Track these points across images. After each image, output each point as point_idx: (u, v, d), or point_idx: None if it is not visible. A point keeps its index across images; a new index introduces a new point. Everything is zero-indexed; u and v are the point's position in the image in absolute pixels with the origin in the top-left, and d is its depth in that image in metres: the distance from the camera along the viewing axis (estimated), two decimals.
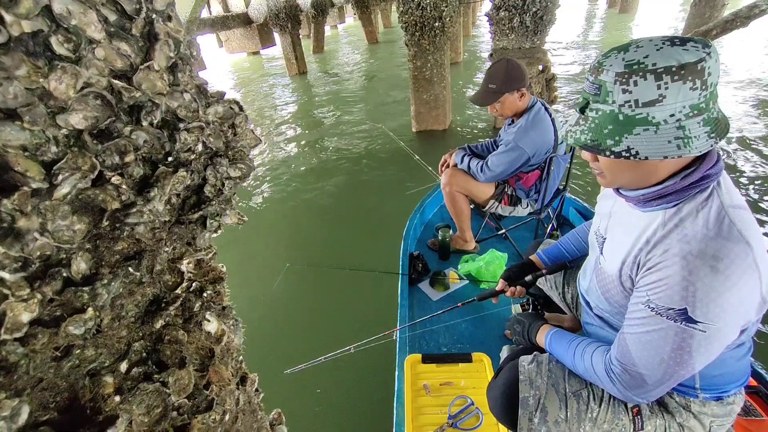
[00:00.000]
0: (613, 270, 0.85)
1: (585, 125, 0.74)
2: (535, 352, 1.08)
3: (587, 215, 2.35)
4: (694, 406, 0.89)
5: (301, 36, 10.94)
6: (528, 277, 1.27)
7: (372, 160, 4.94)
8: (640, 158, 0.68)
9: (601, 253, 0.93)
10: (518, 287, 1.28)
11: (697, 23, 8.63)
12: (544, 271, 1.27)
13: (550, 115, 1.85)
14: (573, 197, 2.46)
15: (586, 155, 0.80)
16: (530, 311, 1.53)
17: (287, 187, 4.50)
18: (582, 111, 0.75)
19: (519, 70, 1.79)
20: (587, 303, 1.03)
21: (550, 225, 2.19)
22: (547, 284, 1.38)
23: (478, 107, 6.26)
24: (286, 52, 10.42)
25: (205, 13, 10.07)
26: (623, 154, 0.69)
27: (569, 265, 1.27)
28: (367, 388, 1.95)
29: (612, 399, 0.95)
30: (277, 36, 10.68)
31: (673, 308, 0.69)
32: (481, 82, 1.86)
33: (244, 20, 11.14)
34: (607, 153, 0.70)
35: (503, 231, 2.29)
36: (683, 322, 0.69)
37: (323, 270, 2.66)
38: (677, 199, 0.74)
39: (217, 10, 11.47)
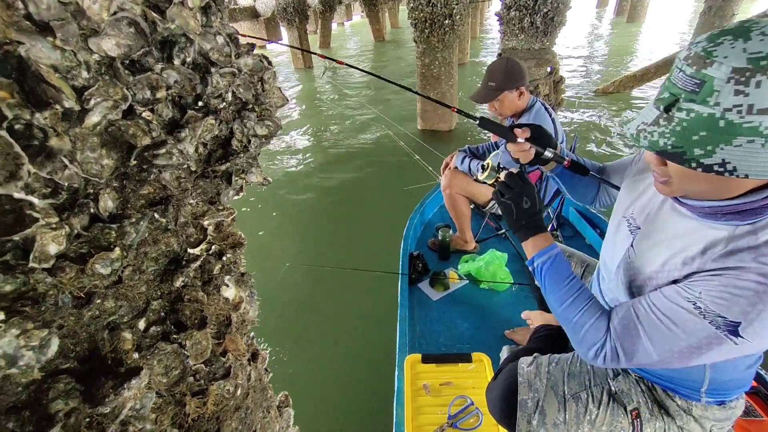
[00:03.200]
0: (649, 271, 0.77)
1: (668, 127, 0.60)
2: (535, 354, 1.06)
3: (587, 215, 2.34)
4: (696, 410, 0.87)
5: (308, 32, 10.91)
6: (548, 153, 1.00)
7: (373, 160, 4.93)
8: (737, 175, 0.56)
9: (631, 246, 0.84)
10: (532, 148, 1.00)
11: (706, 31, 8.62)
12: (565, 162, 1.03)
13: (550, 115, 1.84)
14: (568, 199, 2.46)
15: (650, 158, 0.68)
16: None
17: (288, 187, 4.48)
18: (667, 109, 0.61)
19: (518, 68, 1.78)
20: (600, 291, 0.98)
21: (550, 225, 2.18)
22: None
23: (485, 108, 6.24)
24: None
25: None
26: (715, 168, 0.56)
27: (590, 173, 1.06)
28: (367, 388, 1.93)
29: (611, 402, 0.94)
30: (284, 30, 10.65)
31: (725, 317, 0.62)
32: (482, 80, 1.85)
33: (252, 14, 11.11)
34: (693, 164, 0.58)
35: (503, 231, 2.29)
36: (726, 332, 0.63)
37: (323, 269, 2.64)
38: (755, 217, 0.63)
39: None
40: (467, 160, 2.01)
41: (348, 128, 6.02)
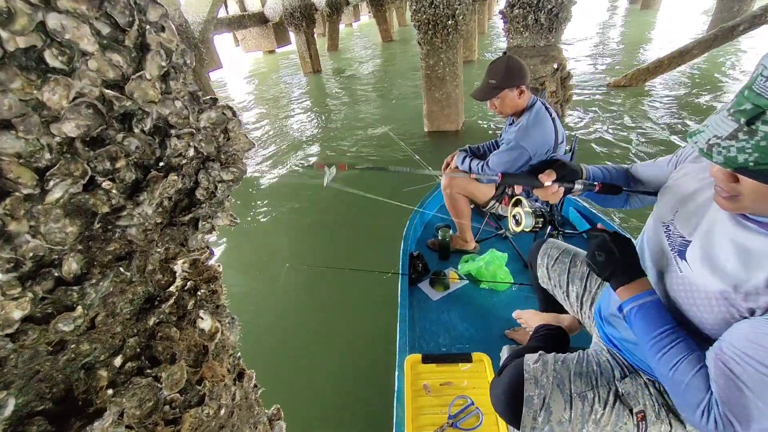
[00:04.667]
0: (714, 290, 0.71)
1: (749, 141, 0.56)
2: (540, 351, 1.06)
3: (587, 215, 2.33)
4: None
5: (316, 34, 11.01)
6: (578, 186, 1.00)
7: (374, 161, 4.96)
8: None
9: (684, 259, 0.79)
10: (561, 187, 0.99)
11: (725, 18, 8.35)
12: (597, 186, 1.01)
13: (551, 114, 1.84)
14: (573, 197, 2.45)
15: (718, 173, 0.64)
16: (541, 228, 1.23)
17: (289, 187, 4.55)
18: (750, 123, 0.57)
19: (519, 67, 1.79)
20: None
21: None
22: (551, 283, 1.36)
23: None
24: (300, 50, 10.51)
25: (222, 13, 10.23)
26: None
27: (624, 191, 1.03)
28: (367, 388, 1.96)
29: (617, 402, 0.94)
30: (292, 35, 10.77)
31: None
32: (483, 78, 1.87)
33: (260, 19, 11.27)
34: None
35: (503, 231, 2.30)
36: None
37: (323, 270, 2.69)
38: None
39: (234, 9, 11.64)
40: (467, 159, 2.03)
41: (352, 130, 6.07)
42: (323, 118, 6.91)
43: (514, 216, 1.19)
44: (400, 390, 1.44)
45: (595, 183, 1.01)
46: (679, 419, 0.91)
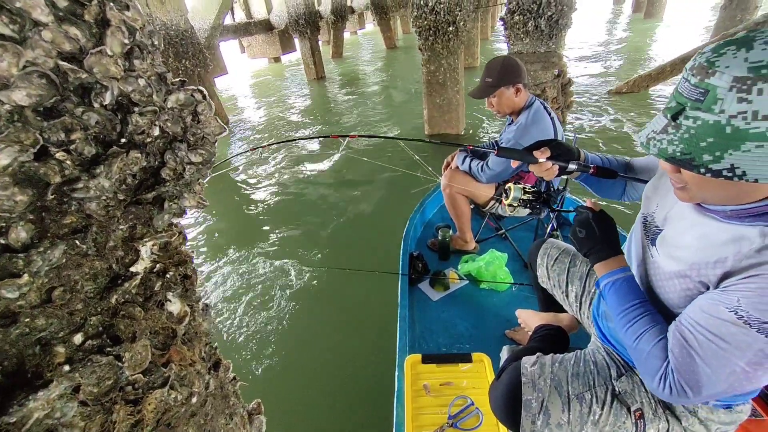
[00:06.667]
0: (673, 270, 0.76)
1: (676, 134, 0.63)
2: (538, 353, 1.06)
3: None
4: (702, 412, 0.87)
5: (321, 42, 11.13)
6: (572, 166, 1.03)
7: (374, 161, 4.99)
8: (747, 179, 0.58)
9: (653, 245, 0.84)
10: (554, 165, 1.03)
11: (727, 26, 8.34)
12: (591, 169, 1.04)
13: (549, 114, 1.85)
14: (573, 197, 2.44)
15: (664, 165, 0.70)
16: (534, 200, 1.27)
17: (289, 188, 4.57)
18: (674, 118, 0.64)
19: (515, 65, 1.81)
20: None
21: (550, 225, 2.16)
22: (550, 282, 1.37)
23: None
24: (305, 57, 10.63)
25: (228, 20, 10.39)
26: (723, 173, 0.59)
27: (619, 176, 1.06)
28: (367, 389, 1.96)
29: (615, 402, 0.94)
30: (297, 42, 10.90)
31: None
32: (480, 77, 1.89)
33: (266, 26, 11.43)
34: (702, 170, 0.60)
35: (503, 231, 2.29)
36: None
37: (323, 270, 2.69)
38: None
39: (240, 16, 11.82)
40: (467, 159, 2.03)
41: (354, 131, 6.09)
42: (325, 120, 6.96)
43: (505, 190, 1.22)
44: (400, 390, 1.44)
45: (591, 166, 1.04)
46: (675, 415, 0.90)
